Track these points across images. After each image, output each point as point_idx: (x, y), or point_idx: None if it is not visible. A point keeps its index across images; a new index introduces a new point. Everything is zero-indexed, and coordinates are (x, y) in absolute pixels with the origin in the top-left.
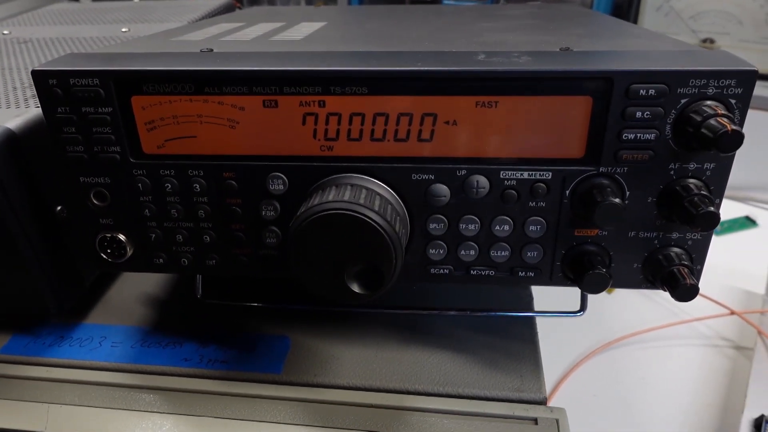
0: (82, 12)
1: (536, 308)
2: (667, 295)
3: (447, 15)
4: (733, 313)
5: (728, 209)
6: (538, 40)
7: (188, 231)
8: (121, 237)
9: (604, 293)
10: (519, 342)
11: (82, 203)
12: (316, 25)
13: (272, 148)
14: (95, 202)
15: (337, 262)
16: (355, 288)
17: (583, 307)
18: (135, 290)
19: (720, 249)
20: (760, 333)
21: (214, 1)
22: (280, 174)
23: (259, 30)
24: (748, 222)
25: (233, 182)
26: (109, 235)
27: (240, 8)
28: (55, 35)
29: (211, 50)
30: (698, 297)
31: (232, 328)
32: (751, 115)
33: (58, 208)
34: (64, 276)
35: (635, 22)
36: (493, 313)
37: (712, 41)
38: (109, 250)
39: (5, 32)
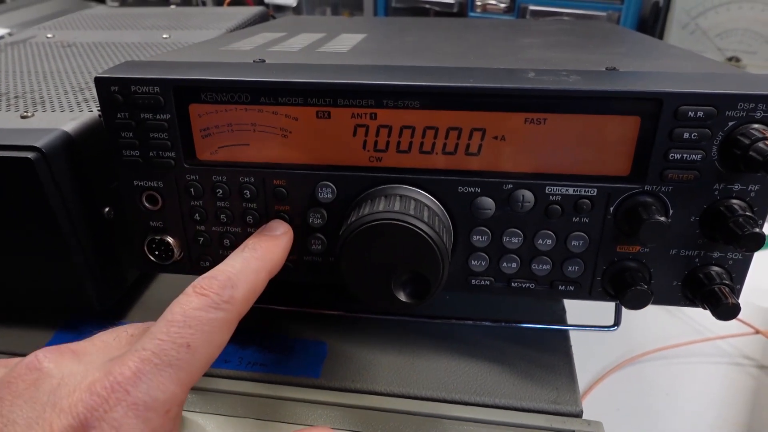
0: (121, 17)
1: (568, 322)
2: (691, 311)
3: (480, 29)
4: (757, 332)
5: None
6: (582, 58)
7: (236, 236)
8: (170, 239)
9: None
10: (553, 354)
11: (133, 206)
12: (358, 37)
13: (322, 158)
14: (147, 205)
15: (385, 270)
16: (402, 297)
17: (617, 321)
18: (174, 291)
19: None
20: None
21: (250, 10)
22: (329, 183)
23: (303, 41)
24: None
25: (283, 189)
26: (158, 237)
27: (273, 17)
28: (98, 40)
29: (264, 60)
30: None
31: (271, 332)
32: None
33: (106, 209)
34: (108, 274)
35: (661, 38)
36: (528, 325)
37: (738, 60)
38: (157, 252)
39: (49, 35)
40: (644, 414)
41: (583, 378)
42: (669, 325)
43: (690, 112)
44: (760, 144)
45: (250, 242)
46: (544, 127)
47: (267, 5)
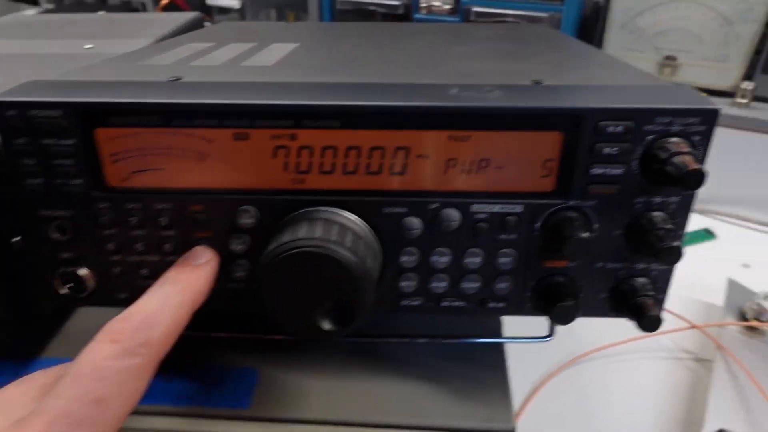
0: (44, 25)
1: (505, 333)
2: None
3: (420, 35)
4: (694, 326)
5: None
6: (510, 70)
7: (155, 265)
8: (83, 272)
9: None
10: (488, 369)
11: (41, 237)
12: (288, 47)
13: (242, 181)
14: (55, 235)
15: (307, 298)
16: (325, 325)
17: (551, 332)
18: (96, 322)
19: (681, 262)
20: (718, 347)
21: (183, 16)
22: (250, 207)
23: (230, 52)
24: (707, 234)
25: (202, 215)
26: (69, 269)
27: (211, 22)
28: (15, 50)
29: (179, 79)
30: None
31: (197, 361)
32: None
33: (15, 239)
34: (21, 309)
35: (601, 38)
36: (463, 340)
37: (674, 58)
38: (69, 285)
39: None
40: (586, 416)
41: (524, 385)
42: (608, 324)
43: (609, 128)
44: (677, 159)
45: (171, 274)
46: (468, 144)
47: (209, 7)
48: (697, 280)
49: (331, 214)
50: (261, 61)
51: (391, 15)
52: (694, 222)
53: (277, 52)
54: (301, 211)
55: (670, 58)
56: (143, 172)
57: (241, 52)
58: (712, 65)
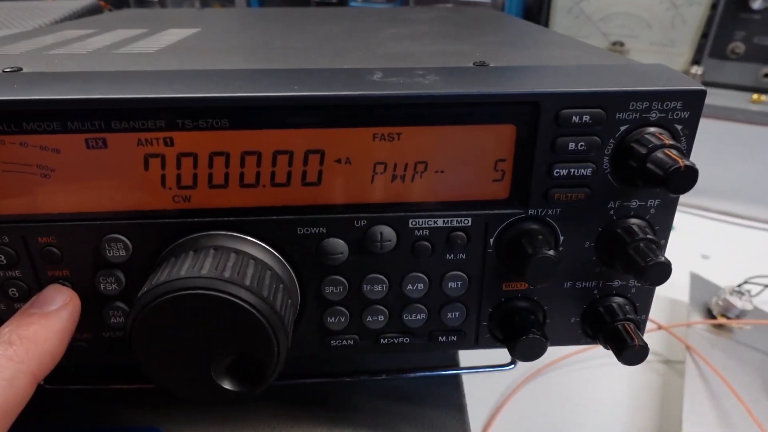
0: None
1: (463, 360)
2: None
3: (348, 19)
4: (660, 327)
5: None
6: (449, 50)
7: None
8: None
9: None
10: (444, 410)
11: None
12: (185, 33)
13: (106, 203)
14: None
15: (199, 354)
16: (228, 385)
17: (514, 360)
18: None
19: None
20: (688, 348)
21: (75, 3)
22: (119, 236)
23: (109, 39)
24: None
25: (54, 249)
26: None
27: (110, 11)
28: None
29: (20, 69)
30: None
31: (87, 421)
32: None
33: None
34: None
35: (546, 24)
36: (413, 375)
37: (621, 44)
38: None
39: None
40: (555, 430)
41: (487, 401)
42: None
43: (574, 117)
44: (659, 154)
45: (5, 332)
46: (398, 144)
47: None
48: None
49: (225, 240)
50: (142, 48)
51: (326, 2)
52: None
53: (169, 37)
54: (185, 238)
55: (617, 44)
56: None
57: (123, 39)
58: (659, 50)
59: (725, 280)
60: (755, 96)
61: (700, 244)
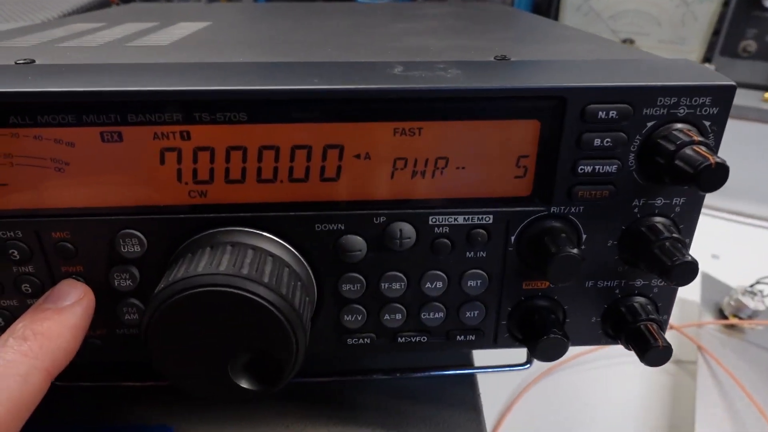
0: None
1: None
2: None
3: (357, 14)
4: (671, 327)
5: None
6: (467, 45)
7: (13, 311)
8: None
9: None
10: (459, 410)
11: None
12: (196, 26)
13: (120, 197)
14: None
15: (216, 352)
16: (245, 383)
17: (530, 359)
18: None
19: None
20: (700, 348)
21: None
22: (134, 231)
23: (120, 32)
24: None
25: (68, 245)
26: None
27: (117, 4)
28: None
29: (33, 61)
30: None
31: (98, 418)
32: None
33: None
34: None
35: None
36: (429, 373)
37: (631, 41)
38: None
39: None
40: (566, 429)
41: (499, 397)
42: None
43: (600, 112)
44: (688, 151)
45: (19, 327)
46: (418, 139)
47: None
48: None
49: (242, 236)
50: (154, 41)
51: None
52: None
53: (180, 31)
54: (201, 234)
55: (627, 41)
56: None
57: (133, 32)
58: (669, 48)
59: (735, 280)
60: (767, 94)
61: (710, 244)
